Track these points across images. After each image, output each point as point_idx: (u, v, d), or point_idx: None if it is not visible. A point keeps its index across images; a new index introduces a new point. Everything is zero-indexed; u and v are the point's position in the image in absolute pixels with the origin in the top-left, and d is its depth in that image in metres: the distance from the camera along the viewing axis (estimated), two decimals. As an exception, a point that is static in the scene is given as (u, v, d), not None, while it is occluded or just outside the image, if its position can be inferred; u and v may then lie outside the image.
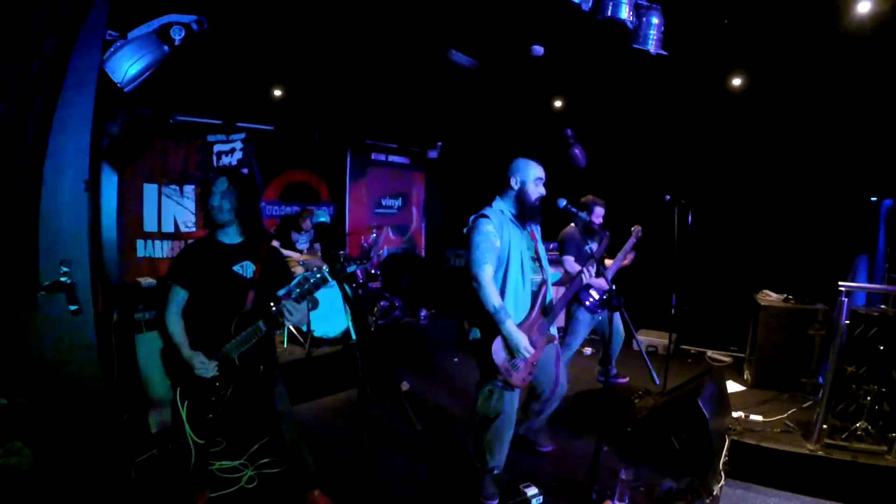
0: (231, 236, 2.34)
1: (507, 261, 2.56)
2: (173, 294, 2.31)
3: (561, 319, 3.64)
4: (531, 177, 2.59)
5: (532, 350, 2.51)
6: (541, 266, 2.71)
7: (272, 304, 2.26)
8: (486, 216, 2.57)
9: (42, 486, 1.94)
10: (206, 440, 2.44)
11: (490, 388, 2.64)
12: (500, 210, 2.63)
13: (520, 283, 2.58)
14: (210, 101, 4.98)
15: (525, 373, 2.58)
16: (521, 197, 2.61)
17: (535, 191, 2.59)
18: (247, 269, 2.33)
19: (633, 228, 3.95)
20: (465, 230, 2.61)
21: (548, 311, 2.67)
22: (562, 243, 3.93)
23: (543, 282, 2.68)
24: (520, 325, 2.54)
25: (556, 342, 2.82)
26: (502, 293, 2.56)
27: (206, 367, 2.24)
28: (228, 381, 2.31)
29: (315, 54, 4.40)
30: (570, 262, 3.78)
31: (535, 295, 2.64)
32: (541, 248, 2.75)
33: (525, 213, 2.62)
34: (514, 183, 2.62)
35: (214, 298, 2.29)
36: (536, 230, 2.78)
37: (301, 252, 5.36)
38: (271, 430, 2.49)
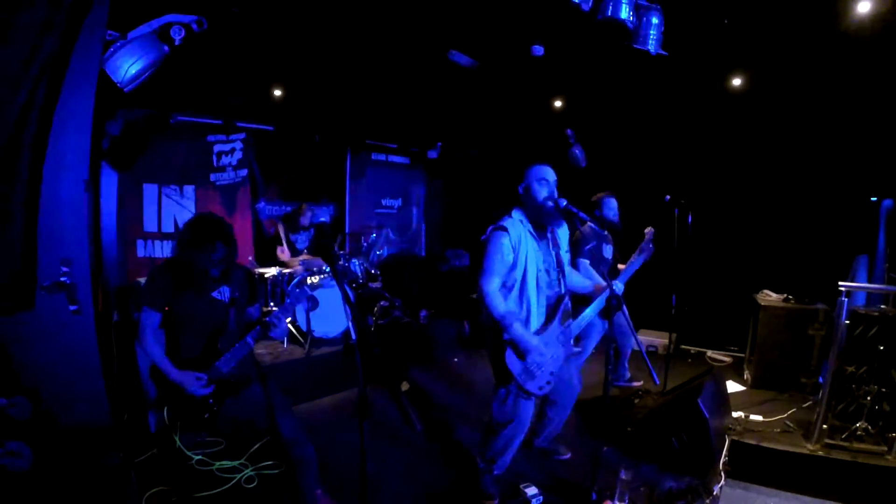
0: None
1: (524, 276, 2.54)
2: (146, 317, 2.29)
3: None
4: (534, 178, 2.57)
5: (542, 350, 2.50)
6: (559, 278, 2.67)
7: (259, 318, 2.35)
8: (504, 229, 2.53)
9: (42, 486, 1.94)
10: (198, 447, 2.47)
11: (505, 391, 2.62)
12: (520, 221, 2.60)
13: (534, 297, 2.57)
14: (210, 101, 4.98)
15: (543, 381, 2.56)
16: (529, 201, 2.59)
17: (541, 190, 2.55)
18: (224, 292, 2.39)
19: (645, 231, 3.90)
20: (482, 237, 2.61)
21: (566, 323, 2.66)
22: (574, 246, 3.72)
23: (561, 293, 2.65)
24: (536, 334, 2.53)
25: (574, 355, 2.80)
26: (520, 305, 2.55)
27: (200, 385, 2.26)
28: (221, 396, 2.35)
29: (315, 54, 4.40)
30: (586, 266, 3.63)
31: (551, 308, 2.62)
32: (563, 256, 2.71)
33: (538, 217, 2.59)
34: (522, 188, 2.62)
35: (198, 322, 2.34)
36: (562, 236, 2.75)
37: (301, 252, 5.35)
38: (271, 430, 2.50)
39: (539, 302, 2.58)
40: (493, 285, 2.49)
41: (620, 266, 3.83)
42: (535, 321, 2.58)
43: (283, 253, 5.29)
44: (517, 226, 2.57)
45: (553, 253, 2.68)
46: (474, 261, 2.60)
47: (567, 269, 2.75)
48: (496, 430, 2.68)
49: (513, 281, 2.55)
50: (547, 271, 2.63)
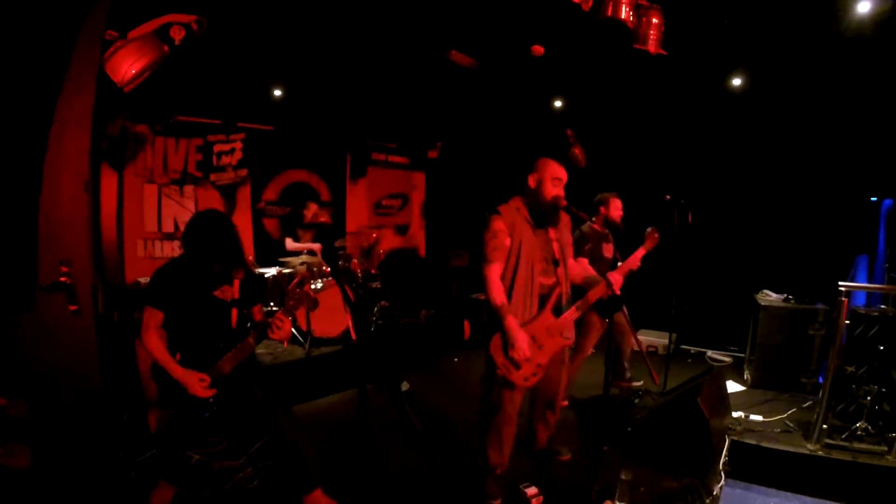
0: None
1: (517, 261, 2.55)
2: (149, 316, 2.30)
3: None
4: (549, 176, 2.59)
5: (525, 350, 2.49)
6: (556, 268, 2.67)
7: (261, 318, 2.35)
8: (498, 213, 2.58)
9: (42, 486, 1.94)
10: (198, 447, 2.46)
11: (491, 383, 2.64)
12: (516, 208, 2.62)
13: (527, 283, 2.58)
14: (210, 101, 4.98)
15: (528, 372, 2.57)
16: (536, 196, 2.61)
17: (551, 190, 2.58)
18: (226, 292, 2.38)
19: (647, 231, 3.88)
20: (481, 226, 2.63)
21: (560, 314, 2.66)
22: (574, 245, 3.77)
23: (557, 284, 2.65)
24: (525, 324, 2.54)
25: (567, 347, 2.80)
26: (510, 292, 2.56)
27: (203, 386, 2.26)
28: (221, 396, 2.35)
29: (315, 54, 4.40)
30: (585, 264, 3.53)
31: (544, 297, 2.63)
32: (563, 249, 2.73)
33: (539, 211, 2.61)
34: (533, 181, 2.63)
35: (200, 322, 2.33)
36: (562, 230, 2.75)
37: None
38: (271, 430, 2.50)
39: (530, 290, 2.59)
40: (493, 272, 2.52)
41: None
42: (526, 309, 2.59)
43: (293, 243, 5.30)
44: (512, 212, 2.60)
45: (550, 243, 2.68)
46: (475, 255, 2.63)
47: (569, 261, 2.77)
48: (485, 420, 2.70)
49: (505, 264, 2.57)
50: (545, 259, 2.64)
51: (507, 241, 2.54)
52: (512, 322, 2.48)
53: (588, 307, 2.79)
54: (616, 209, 3.91)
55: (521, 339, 2.47)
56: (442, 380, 4.69)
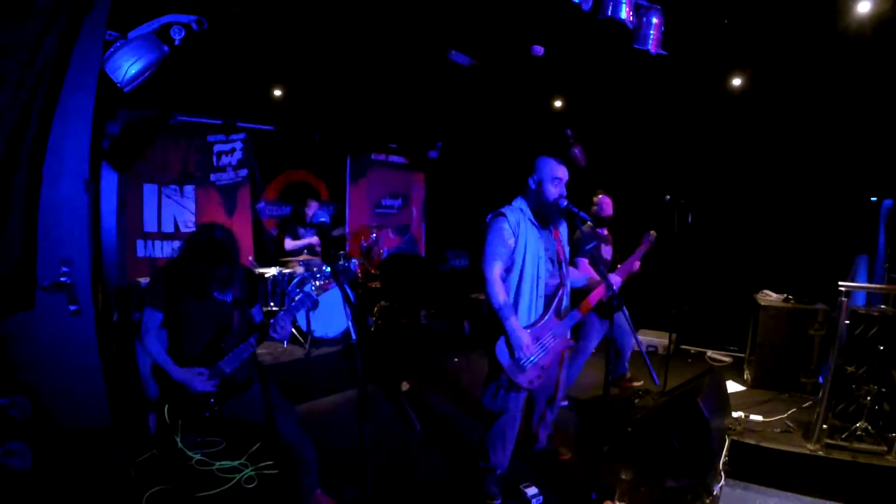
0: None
1: (523, 261, 2.54)
2: (148, 317, 2.30)
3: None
4: (549, 176, 2.57)
5: (532, 350, 2.50)
6: (560, 269, 2.68)
7: (262, 321, 2.38)
8: (503, 214, 2.57)
9: (42, 486, 1.94)
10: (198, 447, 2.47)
11: (495, 385, 2.63)
12: (520, 209, 2.61)
13: (534, 284, 2.57)
14: (210, 101, 4.98)
15: (533, 375, 2.56)
16: (538, 196, 2.59)
17: (553, 191, 2.56)
18: (227, 293, 2.39)
19: (649, 233, 3.91)
20: (482, 226, 2.62)
21: (563, 315, 2.65)
22: (574, 246, 3.67)
23: (560, 285, 2.65)
24: (531, 326, 2.54)
25: (568, 348, 2.80)
26: (516, 294, 2.56)
27: (202, 380, 2.26)
28: (222, 396, 2.35)
29: (315, 54, 4.40)
30: (585, 265, 3.62)
31: (549, 298, 2.62)
32: (564, 250, 2.73)
33: (542, 212, 2.61)
34: (533, 182, 2.61)
35: (202, 323, 2.33)
36: (562, 231, 2.76)
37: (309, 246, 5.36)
38: (271, 430, 2.50)
39: (537, 291, 2.59)
40: (494, 271, 2.50)
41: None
42: (532, 310, 2.58)
43: (291, 242, 5.29)
44: (516, 212, 2.59)
45: (554, 244, 2.68)
46: (475, 255, 2.61)
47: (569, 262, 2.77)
48: (488, 422, 2.70)
49: (511, 265, 2.56)
50: (550, 260, 2.64)
51: (512, 242, 2.53)
52: (515, 323, 2.47)
53: (589, 308, 2.79)
54: (604, 207, 3.94)
55: (526, 339, 2.48)
56: (442, 380, 4.69)
